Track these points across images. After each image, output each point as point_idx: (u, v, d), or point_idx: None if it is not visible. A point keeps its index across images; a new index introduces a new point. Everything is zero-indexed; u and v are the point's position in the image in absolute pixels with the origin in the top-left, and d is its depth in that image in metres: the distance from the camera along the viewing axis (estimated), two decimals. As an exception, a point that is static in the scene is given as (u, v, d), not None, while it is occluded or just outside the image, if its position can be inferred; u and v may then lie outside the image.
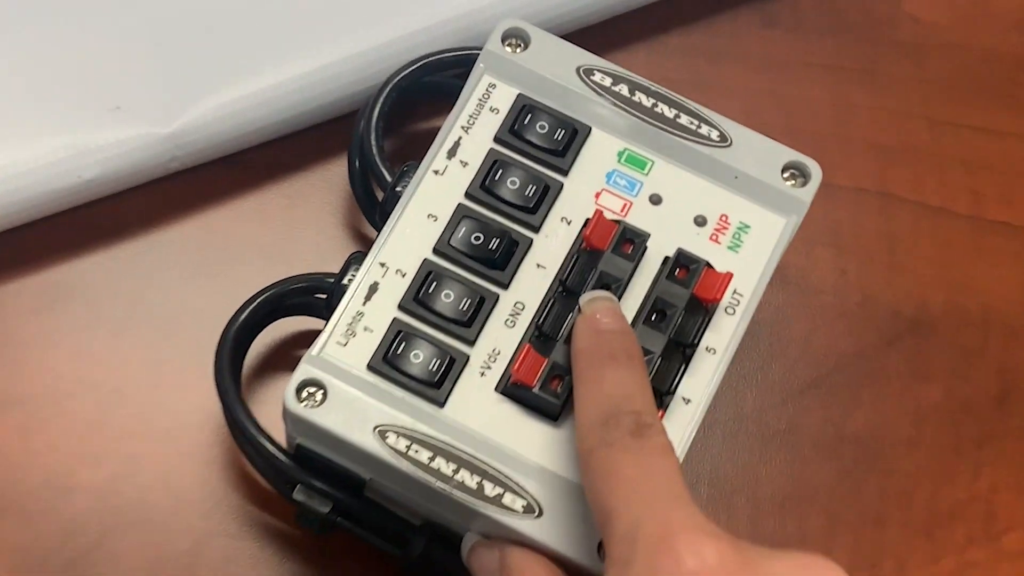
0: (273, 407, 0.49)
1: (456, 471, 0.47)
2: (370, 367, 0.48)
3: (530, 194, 0.50)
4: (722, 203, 0.51)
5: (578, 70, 0.52)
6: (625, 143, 0.51)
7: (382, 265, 0.49)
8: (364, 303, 0.49)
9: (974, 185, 0.60)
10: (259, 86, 0.56)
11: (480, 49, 0.52)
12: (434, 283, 0.49)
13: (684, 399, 0.48)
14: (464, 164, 0.51)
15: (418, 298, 0.49)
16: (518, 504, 0.46)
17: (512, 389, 0.48)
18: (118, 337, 0.55)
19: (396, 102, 0.54)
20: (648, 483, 0.42)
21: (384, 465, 0.47)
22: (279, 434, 0.50)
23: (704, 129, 0.52)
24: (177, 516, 0.53)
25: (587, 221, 0.50)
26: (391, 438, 0.47)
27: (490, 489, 0.46)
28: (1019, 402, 0.57)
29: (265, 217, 0.57)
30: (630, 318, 0.49)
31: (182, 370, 0.55)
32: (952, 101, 0.61)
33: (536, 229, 0.50)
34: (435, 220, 0.50)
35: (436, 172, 0.51)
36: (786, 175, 0.51)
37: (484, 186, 0.50)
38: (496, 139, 0.51)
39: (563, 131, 0.51)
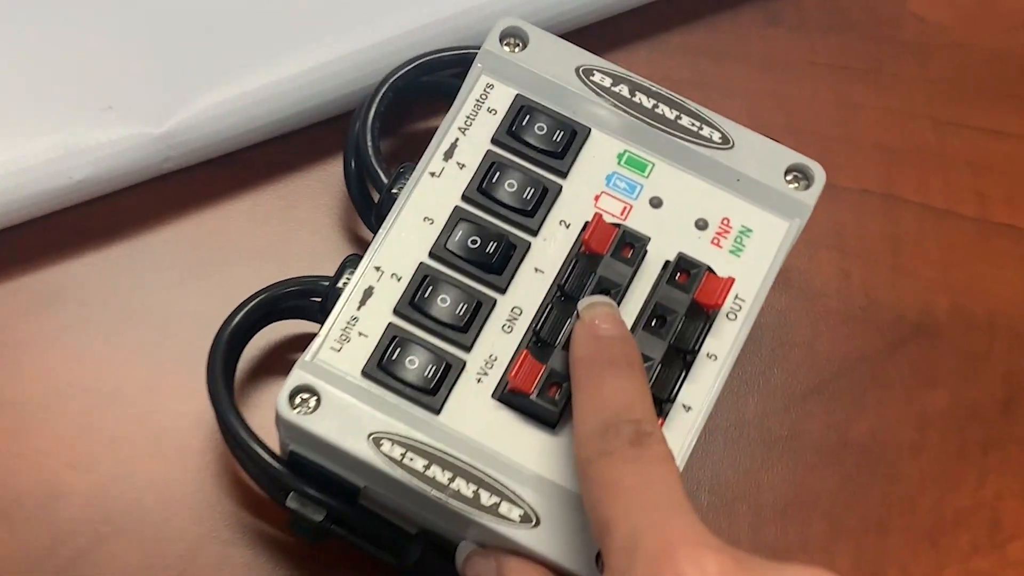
0: (267, 412, 0.49)
1: (452, 480, 0.46)
2: (364, 373, 0.48)
3: (528, 197, 0.50)
4: (724, 206, 0.50)
5: (577, 70, 0.52)
6: (625, 145, 0.51)
7: (377, 269, 0.49)
8: (359, 308, 0.48)
9: (980, 187, 0.60)
10: (254, 85, 0.56)
11: (478, 48, 0.52)
12: (430, 287, 0.49)
13: (684, 406, 0.48)
14: (461, 166, 0.50)
15: (414, 303, 0.48)
16: (515, 513, 0.46)
17: (509, 396, 0.47)
18: (110, 339, 0.55)
19: (392, 102, 0.54)
20: (648, 493, 0.42)
21: (378, 473, 0.47)
22: (273, 439, 0.50)
23: (706, 131, 0.51)
24: (169, 522, 0.53)
25: (586, 224, 0.49)
26: (386, 446, 0.46)
27: (486, 498, 0.46)
28: (1025, 408, 0.57)
29: (260, 218, 0.57)
30: (630, 324, 0.48)
31: (175, 373, 0.54)
32: (957, 101, 0.61)
33: (534, 232, 0.50)
34: (431, 223, 0.50)
35: (432, 174, 0.50)
36: (789, 178, 0.51)
37: (481, 188, 0.50)
38: (494, 140, 0.51)
39: (562, 132, 0.51)
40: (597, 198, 0.50)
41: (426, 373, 0.47)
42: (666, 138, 0.51)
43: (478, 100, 0.51)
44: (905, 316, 0.57)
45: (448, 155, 0.50)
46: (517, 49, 0.52)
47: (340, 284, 0.49)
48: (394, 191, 0.51)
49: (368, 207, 0.54)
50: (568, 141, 0.51)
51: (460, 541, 0.48)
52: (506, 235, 0.49)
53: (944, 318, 0.57)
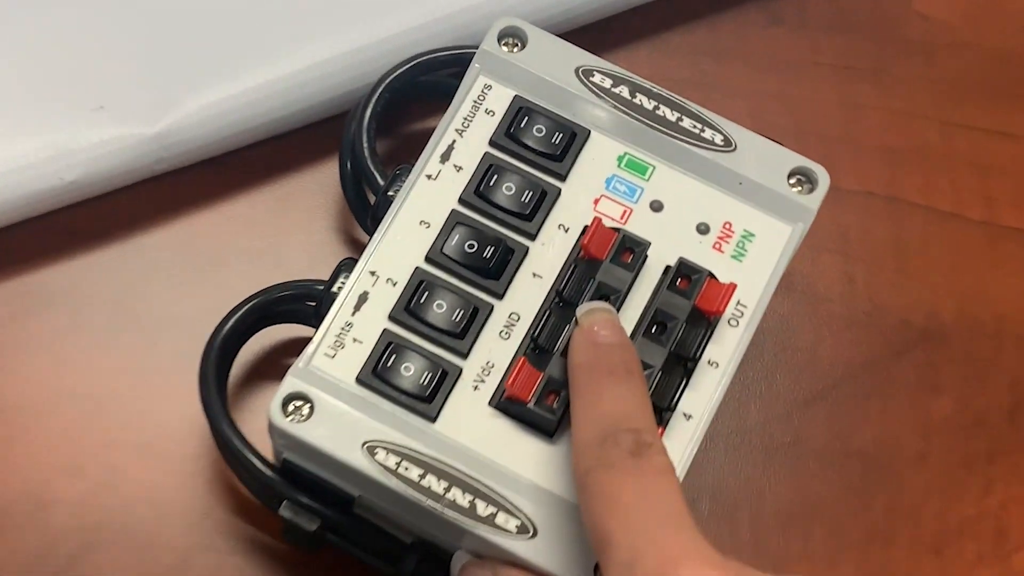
0: (262, 417, 0.48)
1: (448, 489, 0.46)
2: (359, 380, 0.47)
3: (526, 200, 0.49)
4: (726, 210, 0.50)
5: (577, 71, 0.51)
6: (625, 147, 0.51)
7: (372, 274, 0.49)
8: (353, 313, 0.48)
9: (987, 190, 0.59)
10: (248, 85, 0.55)
11: (476, 48, 0.52)
12: (426, 293, 0.48)
13: (685, 415, 0.47)
14: (458, 168, 0.50)
15: (409, 308, 0.48)
16: (512, 524, 0.46)
17: (506, 404, 0.47)
18: (100, 345, 0.54)
19: (389, 102, 0.54)
20: (648, 507, 0.41)
21: (373, 483, 0.46)
22: (267, 445, 0.49)
23: (707, 133, 0.51)
24: (161, 530, 0.52)
25: (585, 228, 0.49)
26: (380, 454, 0.46)
27: (483, 508, 0.46)
28: (1032, 415, 0.57)
29: (254, 221, 0.57)
30: (629, 330, 0.48)
31: (166, 379, 0.54)
32: (964, 102, 0.61)
33: (532, 237, 0.49)
34: (427, 227, 0.49)
35: (429, 177, 0.50)
36: (792, 181, 0.51)
37: (479, 192, 0.50)
38: (491, 143, 0.50)
39: (561, 134, 0.50)
40: (596, 201, 0.50)
41: (422, 380, 0.47)
42: (667, 140, 0.51)
43: (476, 101, 0.51)
44: (910, 321, 0.57)
45: (445, 157, 0.50)
46: (516, 49, 0.52)
47: (335, 289, 0.49)
48: (390, 193, 0.50)
49: (364, 209, 0.54)
50: (567, 143, 0.50)
51: (456, 551, 0.47)
52: (504, 239, 0.49)
53: (950, 324, 0.57)
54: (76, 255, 0.55)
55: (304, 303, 0.51)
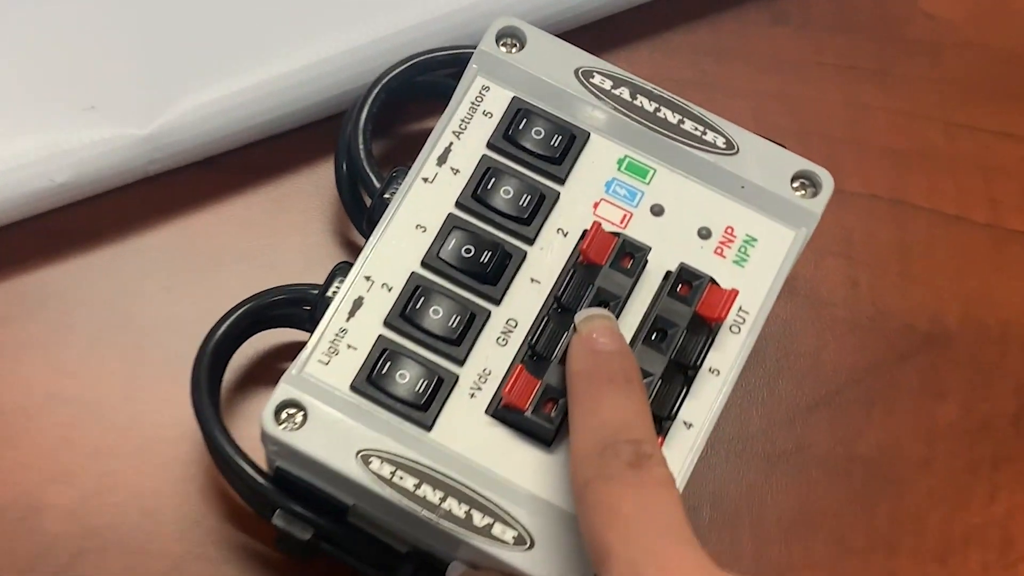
0: (255, 423, 0.48)
1: (443, 499, 0.45)
2: (353, 387, 0.47)
3: (524, 204, 0.49)
4: (728, 214, 0.50)
5: (576, 72, 0.51)
6: (625, 150, 0.50)
7: (367, 279, 0.48)
8: (348, 319, 0.48)
9: (992, 192, 0.59)
10: (242, 85, 0.55)
11: (473, 48, 0.51)
12: (422, 298, 0.48)
13: (685, 424, 0.47)
14: (455, 171, 0.50)
15: (405, 314, 0.48)
16: (508, 535, 0.45)
17: (503, 412, 0.47)
18: (92, 348, 0.54)
19: (385, 103, 0.53)
20: (647, 520, 0.41)
21: (367, 492, 0.46)
22: (261, 452, 0.49)
23: (709, 135, 0.50)
24: (153, 537, 0.52)
25: (584, 233, 0.49)
26: (375, 463, 0.46)
27: (479, 519, 0.45)
28: (1038, 421, 0.56)
29: (248, 223, 0.56)
30: (629, 337, 0.47)
31: (159, 383, 0.54)
32: (969, 103, 0.61)
33: (530, 241, 0.49)
34: (424, 231, 0.49)
35: (425, 180, 0.50)
36: (795, 185, 0.50)
37: (476, 195, 0.49)
38: (489, 145, 0.50)
39: (560, 137, 0.50)
40: (596, 205, 0.49)
41: (417, 388, 0.47)
42: (668, 143, 0.50)
43: (473, 103, 0.51)
44: (914, 326, 0.57)
45: (442, 160, 0.50)
46: (514, 50, 0.51)
47: (329, 293, 0.49)
48: (386, 196, 0.50)
49: (360, 212, 0.54)
50: (566, 146, 0.50)
51: (452, 561, 0.47)
52: (501, 244, 0.48)
53: (955, 328, 0.57)
54: (67, 257, 0.55)
55: (299, 307, 0.51)
